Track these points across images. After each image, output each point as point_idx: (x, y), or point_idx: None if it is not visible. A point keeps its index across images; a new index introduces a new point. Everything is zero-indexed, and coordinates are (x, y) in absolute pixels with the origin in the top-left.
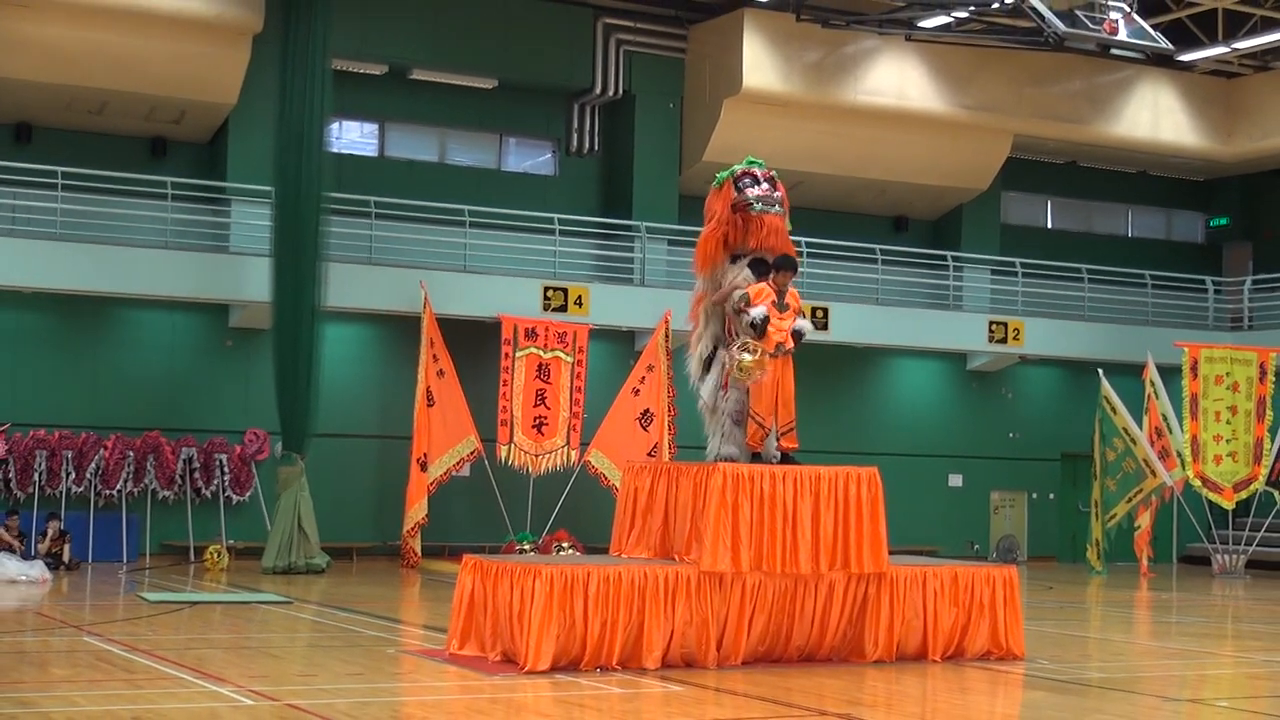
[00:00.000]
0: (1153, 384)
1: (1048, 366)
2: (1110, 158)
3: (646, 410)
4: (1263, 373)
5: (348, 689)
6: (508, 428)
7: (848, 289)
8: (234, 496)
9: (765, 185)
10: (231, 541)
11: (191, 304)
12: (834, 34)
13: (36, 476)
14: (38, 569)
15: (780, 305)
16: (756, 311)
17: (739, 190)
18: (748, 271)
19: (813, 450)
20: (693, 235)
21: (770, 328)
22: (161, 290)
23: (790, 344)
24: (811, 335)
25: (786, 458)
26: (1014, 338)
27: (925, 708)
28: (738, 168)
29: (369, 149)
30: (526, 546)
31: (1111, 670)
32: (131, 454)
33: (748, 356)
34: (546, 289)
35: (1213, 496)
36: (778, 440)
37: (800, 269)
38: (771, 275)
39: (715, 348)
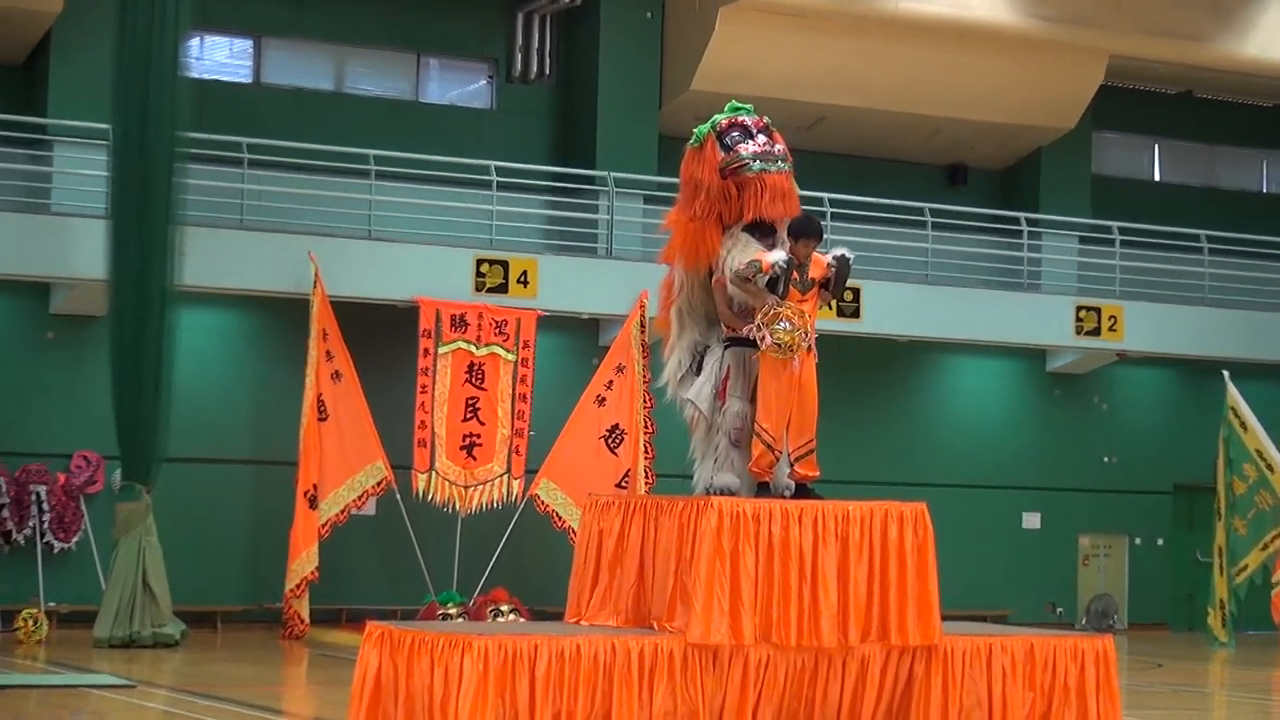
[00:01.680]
0: None
1: (1155, 367)
2: (1239, 87)
3: (615, 426)
4: None
5: None
6: (427, 450)
7: (886, 263)
8: (56, 543)
9: (761, 137)
10: (53, 604)
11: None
12: None
13: None
14: None
15: (802, 284)
16: (775, 256)
17: (726, 147)
18: (745, 235)
19: (840, 480)
20: (675, 191)
21: (792, 315)
22: None
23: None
24: (842, 324)
25: (803, 489)
26: (1110, 328)
27: None
28: (720, 118)
29: (241, 74)
30: (453, 610)
31: None
32: None
33: (786, 326)
34: (480, 262)
35: None
36: (791, 466)
37: (824, 236)
38: (787, 244)
39: (704, 351)
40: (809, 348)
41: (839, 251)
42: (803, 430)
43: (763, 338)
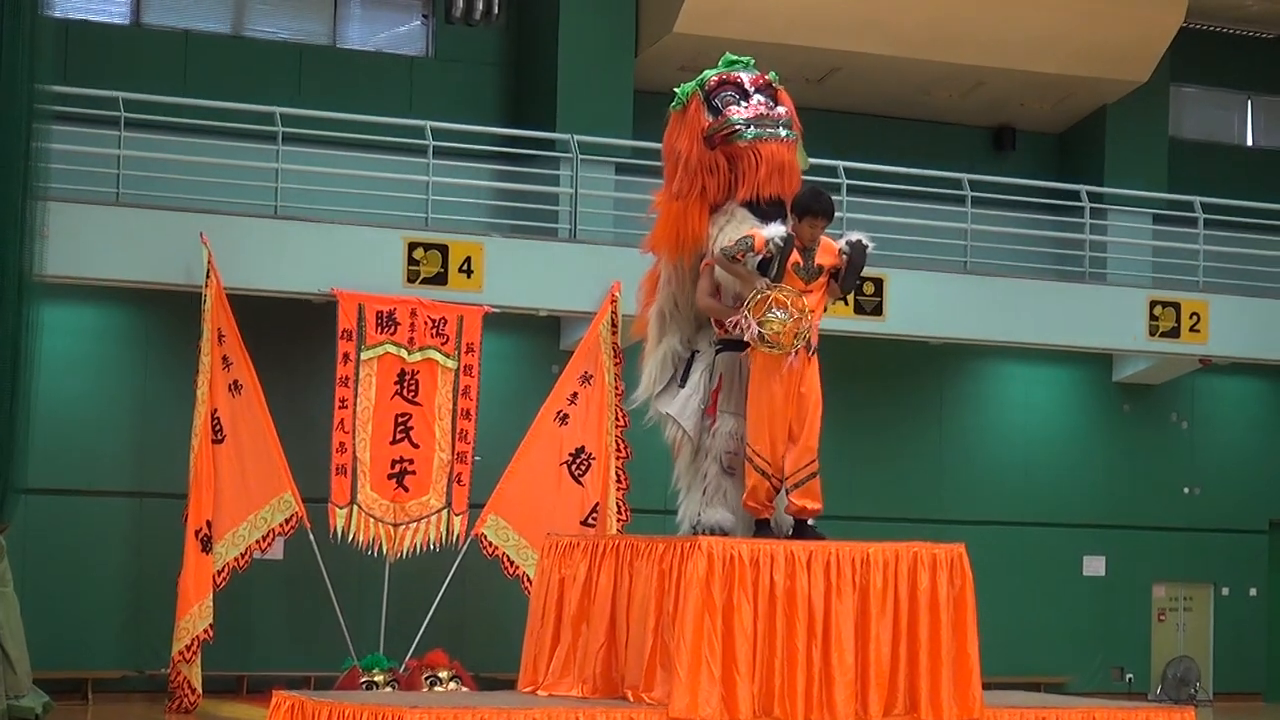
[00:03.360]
0: None
1: (1246, 377)
2: None
3: (580, 449)
4: None
5: None
6: (348, 479)
7: (916, 248)
8: None
9: (759, 98)
10: None
11: None
12: None
13: None
14: None
15: (807, 270)
16: (772, 230)
17: (715, 110)
18: (742, 212)
19: (858, 516)
20: (654, 159)
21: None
22: None
23: (813, 335)
24: (860, 323)
25: (802, 527)
26: (1191, 329)
27: None
28: (710, 74)
29: (116, 13)
30: (380, 677)
31: None
32: None
33: (779, 315)
34: (413, 247)
35: None
36: (786, 496)
37: (836, 214)
38: (790, 222)
39: (690, 358)
40: (809, 346)
41: (854, 236)
42: (802, 451)
43: (749, 327)
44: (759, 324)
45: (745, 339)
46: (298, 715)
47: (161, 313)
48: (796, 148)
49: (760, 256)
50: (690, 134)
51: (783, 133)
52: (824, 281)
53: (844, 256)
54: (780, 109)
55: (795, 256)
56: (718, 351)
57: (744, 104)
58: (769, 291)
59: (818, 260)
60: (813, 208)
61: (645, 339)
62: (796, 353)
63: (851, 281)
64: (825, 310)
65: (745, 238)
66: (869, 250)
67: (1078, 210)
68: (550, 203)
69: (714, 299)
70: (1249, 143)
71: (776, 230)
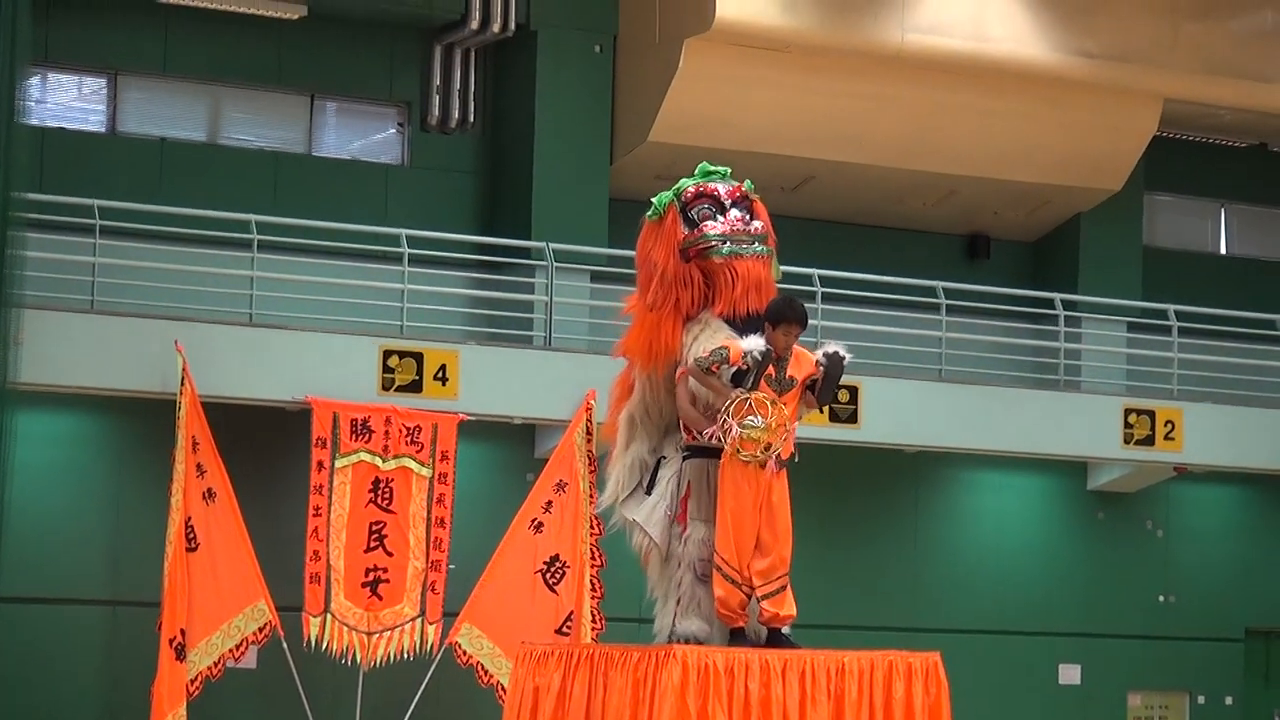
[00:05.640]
0: None
1: (1222, 484)
2: None
3: (554, 557)
4: None
5: None
6: (321, 587)
7: (890, 355)
8: None
9: (735, 212)
10: None
11: None
12: None
13: None
14: None
15: (779, 382)
16: (751, 343)
17: (691, 223)
18: (717, 322)
19: (833, 625)
20: (629, 267)
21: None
22: None
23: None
24: (835, 431)
25: (776, 636)
26: (1166, 437)
27: None
28: (687, 183)
29: (93, 120)
30: None
31: None
32: None
33: (757, 422)
34: (388, 354)
35: None
36: (760, 606)
37: (810, 322)
38: (765, 332)
39: (656, 465)
40: (779, 461)
41: (830, 348)
42: (775, 562)
43: (729, 430)
44: (739, 425)
45: (725, 443)
46: None
47: (136, 420)
48: (772, 262)
49: (735, 369)
50: (667, 246)
51: (758, 248)
52: (797, 393)
53: (821, 368)
54: (756, 223)
55: (769, 369)
56: (685, 458)
57: (720, 218)
58: (749, 397)
59: (790, 372)
60: (787, 315)
61: (613, 443)
62: (778, 459)
63: (829, 394)
64: (799, 421)
65: (720, 349)
66: (846, 361)
67: (1052, 318)
68: (525, 310)
69: (693, 409)
70: (1223, 251)
71: (755, 343)
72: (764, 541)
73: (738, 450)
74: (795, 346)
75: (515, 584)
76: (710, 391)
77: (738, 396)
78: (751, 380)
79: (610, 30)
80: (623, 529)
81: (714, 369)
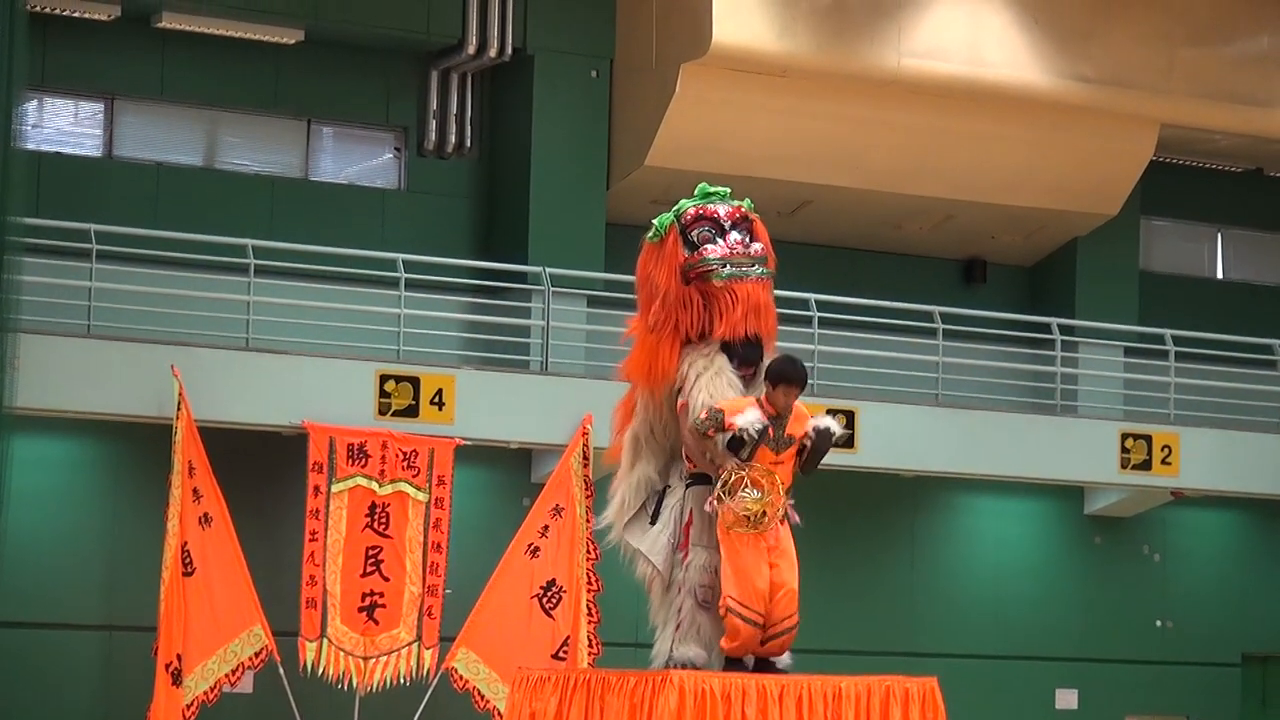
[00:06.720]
0: None
1: (1218, 509)
2: None
3: (551, 582)
4: None
5: None
6: (318, 612)
7: (887, 381)
8: None
9: (735, 234)
10: None
11: None
12: None
13: None
14: None
15: (778, 441)
16: (748, 418)
17: (691, 245)
18: (721, 361)
19: (829, 650)
20: (626, 291)
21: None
22: None
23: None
24: (833, 456)
25: (764, 664)
26: (1163, 461)
27: None
28: (687, 205)
29: (90, 145)
30: None
31: None
32: None
33: (754, 495)
34: (384, 379)
35: None
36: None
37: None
38: (764, 391)
39: (661, 492)
40: (785, 518)
41: (822, 422)
42: (787, 599)
43: (723, 510)
44: (735, 502)
45: (718, 514)
46: None
47: (132, 445)
48: (771, 285)
49: (731, 435)
50: (668, 268)
51: (758, 271)
52: (794, 451)
53: (809, 441)
54: (756, 245)
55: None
56: (688, 486)
57: (720, 241)
58: (740, 471)
59: (789, 430)
60: (788, 375)
61: (618, 464)
62: (780, 523)
63: (813, 466)
64: (792, 480)
65: (716, 412)
66: (837, 437)
67: (1049, 343)
68: (522, 335)
69: (694, 439)
70: (1219, 275)
71: (753, 419)
72: (783, 581)
73: (742, 521)
74: (795, 406)
75: (512, 609)
76: (707, 449)
77: (733, 470)
78: (749, 452)
79: (607, 55)
80: (619, 552)
81: (710, 434)
